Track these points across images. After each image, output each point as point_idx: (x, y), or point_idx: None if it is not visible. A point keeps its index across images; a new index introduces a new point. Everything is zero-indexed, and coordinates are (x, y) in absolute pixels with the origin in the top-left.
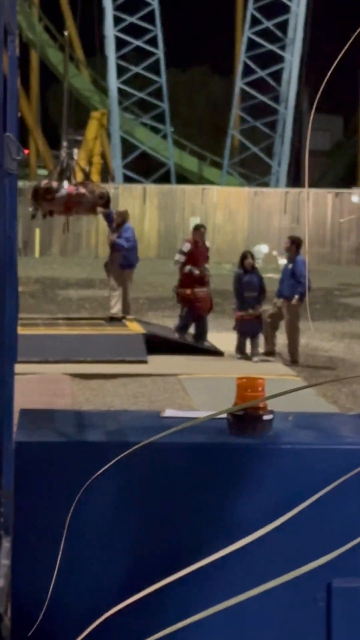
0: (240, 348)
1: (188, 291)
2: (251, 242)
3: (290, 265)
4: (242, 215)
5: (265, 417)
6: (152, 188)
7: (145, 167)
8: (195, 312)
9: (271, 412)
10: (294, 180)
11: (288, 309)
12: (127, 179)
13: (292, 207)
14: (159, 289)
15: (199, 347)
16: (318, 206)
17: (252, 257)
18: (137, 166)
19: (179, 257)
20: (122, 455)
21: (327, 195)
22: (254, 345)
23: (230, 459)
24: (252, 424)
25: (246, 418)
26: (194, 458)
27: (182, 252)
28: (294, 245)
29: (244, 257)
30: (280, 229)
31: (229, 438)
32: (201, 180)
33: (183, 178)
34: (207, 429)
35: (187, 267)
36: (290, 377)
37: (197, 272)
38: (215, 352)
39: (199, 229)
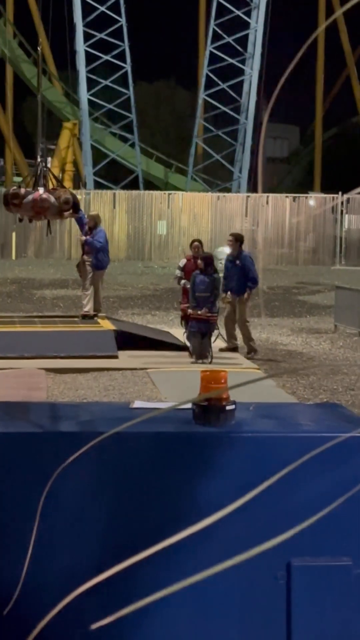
0: (194, 349)
1: (183, 305)
2: (215, 243)
3: (237, 262)
4: (206, 218)
5: (228, 407)
6: (122, 194)
7: (114, 174)
8: (188, 325)
9: (233, 402)
10: (254, 185)
11: (239, 304)
12: (98, 185)
13: (252, 211)
14: (128, 288)
15: (166, 343)
16: (277, 209)
17: (206, 258)
18: (107, 173)
19: (177, 272)
20: (91, 443)
21: (285, 200)
22: (203, 347)
23: (196, 446)
24: (216, 414)
25: (210, 408)
26: (161, 446)
27: (178, 267)
28: (237, 242)
29: (199, 257)
30: (242, 231)
31: (194, 427)
32: (167, 186)
33: (150, 184)
34: (174, 419)
35: (182, 281)
36: (252, 370)
37: (189, 286)
38: (181, 348)
39: (194, 243)
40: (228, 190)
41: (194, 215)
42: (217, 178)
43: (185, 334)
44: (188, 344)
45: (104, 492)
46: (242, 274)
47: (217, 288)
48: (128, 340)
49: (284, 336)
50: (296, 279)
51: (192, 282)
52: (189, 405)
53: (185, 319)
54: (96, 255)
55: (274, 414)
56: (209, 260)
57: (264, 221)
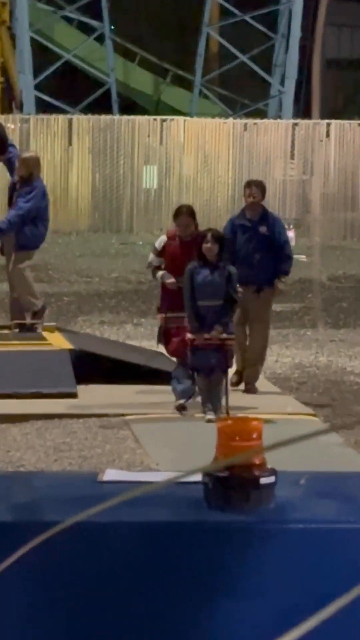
0: (203, 400)
1: (159, 316)
2: (239, 204)
3: (261, 228)
4: (224, 161)
5: (264, 481)
6: (83, 121)
7: (71, 88)
8: (168, 351)
9: (272, 472)
10: (306, 106)
11: (260, 302)
12: (43, 106)
13: (303, 149)
14: (94, 279)
15: (156, 371)
16: (344, 147)
17: (220, 237)
18: (59, 87)
19: (150, 259)
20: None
21: (358, 130)
22: (214, 395)
23: (208, 546)
24: (244, 492)
25: (233, 482)
26: (152, 544)
27: (154, 251)
28: (260, 191)
29: (203, 236)
30: (286, 184)
31: (207, 514)
32: (160, 107)
33: (131, 105)
34: (173, 500)
35: (159, 274)
36: (303, 416)
37: (170, 280)
38: None
39: (181, 214)
40: (262, 114)
41: (204, 157)
42: (243, 94)
43: (173, 373)
44: (177, 388)
45: (57, 605)
46: (267, 249)
47: (233, 289)
48: (93, 366)
49: (356, 360)
50: None
51: (187, 281)
52: (198, 478)
53: (166, 336)
54: (21, 227)
55: (339, 492)
56: (220, 240)
57: (322, 166)
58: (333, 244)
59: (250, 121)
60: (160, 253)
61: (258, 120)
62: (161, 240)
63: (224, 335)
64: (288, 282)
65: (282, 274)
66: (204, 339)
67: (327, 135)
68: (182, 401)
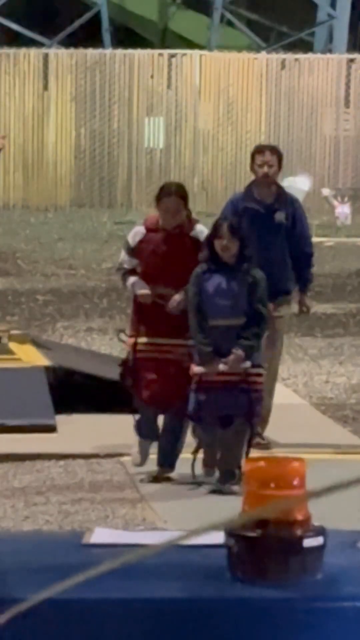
0: (207, 458)
1: (130, 340)
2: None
3: (277, 215)
4: (256, 112)
5: (309, 542)
6: (63, 56)
7: (47, 13)
8: (139, 396)
9: (320, 531)
10: None
11: (270, 320)
12: (10, 37)
13: None
14: (79, 272)
15: None
16: None
17: (236, 230)
18: (28, 11)
19: (121, 257)
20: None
21: None
22: (233, 455)
23: (232, 629)
24: (280, 557)
25: (267, 544)
26: (158, 628)
27: (126, 246)
28: (277, 158)
29: (216, 228)
30: (338, 142)
31: (230, 588)
32: (167, 38)
33: (129, 35)
34: (186, 571)
35: (130, 280)
36: (354, 455)
37: (143, 292)
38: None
39: (167, 195)
40: (306, 47)
41: (227, 105)
42: (280, 20)
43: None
44: (138, 446)
45: None
46: (283, 245)
47: (261, 302)
48: (77, 389)
49: None
50: None
51: (192, 291)
52: (219, 539)
53: (137, 371)
54: None
55: None
56: (240, 233)
57: None
58: None
59: (289, 56)
60: (134, 251)
61: (300, 55)
62: (136, 233)
63: (248, 365)
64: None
65: (305, 283)
66: (216, 373)
67: None
68: (137, 463)
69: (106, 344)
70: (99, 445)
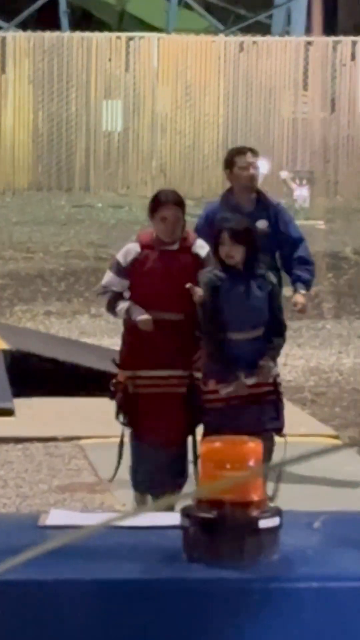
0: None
1: (121, 376)
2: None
3: (261, 222)
4: (214, 94)
5: (265, 523)
6: (20, 39)
7: None
8: (140, 434)
9: (276, 512)
10: (323, 19)
11: None
12: None
13: (319, 77)
14: (37, 255)
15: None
16: None
17: (239, 234)
18: None
19: (106, 279)
20: None
21: None
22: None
23: (189, 610)
24: (236, 539)
25: (222, 525)
26: (114, 609)
27: (115, 268)
28: (258, 158)
29: (217, 235)
30: (296, 124)
31: (186, 569)
32: (125, 21)
33: (86, 18)
34: (141, 552)
35: (121, 306)
36: (322, 438)
37: (143, 317)
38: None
39: (164, 204)
40: (264, 30)
41: (185, 88)
42: (238, 3)
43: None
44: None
45: None
46: (271, 252)
47: (279, 308)
48: (35, 372)
49: None
50: None
51: (209, 300)
52: (174, 520)
53: (131, 406)
54: None
55: None
56: (241, 237)
57: (345, 99)
58: (357, 205)
59: (247, 39)
60: (126, 272)
61: (259, 38)
62: (129, 251)
63: (277, 372)
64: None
65: (302, 284)
66: (244, 387)
67: (353, 57)
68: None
69: (64, 328)
70: (57, 428)
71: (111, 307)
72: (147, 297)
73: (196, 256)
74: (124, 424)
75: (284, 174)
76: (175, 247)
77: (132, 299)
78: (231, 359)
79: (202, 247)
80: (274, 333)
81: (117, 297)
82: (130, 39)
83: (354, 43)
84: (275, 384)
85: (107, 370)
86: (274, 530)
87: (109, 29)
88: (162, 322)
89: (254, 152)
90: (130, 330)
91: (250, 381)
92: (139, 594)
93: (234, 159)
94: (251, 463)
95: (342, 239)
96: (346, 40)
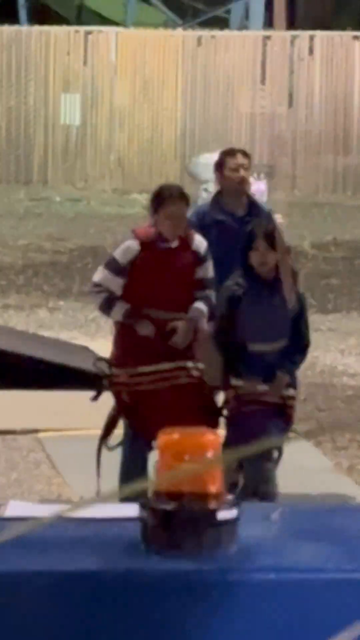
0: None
1: (122, 376)
2: (191, 146)
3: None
4: (172, 88)
5: (223, 515)
6: None
7: None
8: (142, 434)
9: (234, 504)
10: (281, 14)
11: None
12: None
13: (277, 71)
14: None
15: (79, 371)
16: (333, 67)
17: (274, 238)
18: None
19: (100, 276)
20: None
21: (352, 44)
22: (267, 481)
23: (147, 602)
24: (194, 530)
25: (181, 517)
26: (72, 601)
27: (112, 266)
28: (248, 159)
29: (249, 238)
30: (254, 119)
31: (145, 560)
32: (83, 15)
33: (44, 11)
34: (100, 543)
35: (118, 308)
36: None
37: (147, 332)
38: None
39: (170, 198)
40: (222, 24)
41: (143, 82)
42: None
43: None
44: None
45: None
46: None
47: (306, 324)
48: None
49: (351, 356)
50: None
51: (224, 310)
52: (133, 511)
53: (131, 404)
54: None
55: (322, 530)
56: (276, 243)
57: (303, 94)
58: (319, 199)
59: (206, 33)
60: (123, 270)
61: (217, 32)
62: (128, 250)
63: (291, 393)
64: None
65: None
66: (254, 388)
67: (311, 52)
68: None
69: (23, 321)
70: (15, 421)
71: (105, 308)
72: (146, 296)
73: (196, 253)
74: (124, 418)
75: None
76: (175, 244)
77: (128, 298)
78: (248, 371)
79: (201, 244)
80: (295, 347)
81: (111, 296)
82: (89, 33)
83: (312, 37)
84: (285, 399)
85: (66, 363)
86: (232, 522)
87: (68, 23)
88: (161, 321)
89: (245, 154)
90: (125, 330)
91: (262, 388)
92: (97, 585)
93: (224, 160)
94: (209, 454)
95: (300, 233)
96: (304, 35)
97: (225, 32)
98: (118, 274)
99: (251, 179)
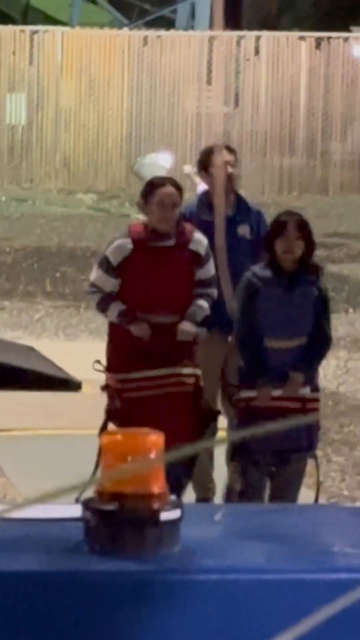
0: (243, 489)
1: (113, 381)
2: (137, 146)
3: (243, 228)
4: (118, 88)
5: (166, 516)
6: None
7: None
8: None
9: (177, 504)
10: (227, 13)
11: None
12: None
13: (223, 71)
14: None
15: (20, 370)
16: (279, 67)
17: (305, 228)
18: None
19: (94, 276)
20: None
21: (297, 44)
22: (284, 492)
23: (89, 602)
24: (137, 531)
25: (123, 517)
26: (13, 602)
27: (104, 266)
28: (236, 157)
29: (279, 225)
30: (200, 118)
31: (87, 561)
32: (29, 14)
33: None
34: (42, 544)
35: (113, 309)
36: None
37: (139, 326)
38: (64, 383)
39: (159, 185)
40: (168, 24)
41: (89, 82)
42: None
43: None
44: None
45: None
46: (249, 265)
47: (328, 320)
48: None
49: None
50: (324, 227)
51: (243, 302)
52: (75, 512)
53: (121, 410)
54: None
55: (266, 531)
56: (308, 231)
57: (249, 94)
58: (265, 199)
59: (152, 33)
60: (115, 271)
61: (163, 33)
62: (120, 248)
63: (307, 391)
64: None
65: None
66: (270, 398)
67: (257, 52)
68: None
69: None
70: None
71: (101, 308)
72: (140, 298)
73: (194, 253)
74: (114, 422)
75: (187, 168)
76: (172, 242)
77: (123, 299)
78: (266, 368)
79: (200, 243)
80: (315, 345)
81: (107, 296)
82: (34, 32)
83: (258, 38)
84: (305, 402)
85: (9, 362)
86: (174, 523)
87: (14, 22)
88: (156, 325)
89: (231, 150)
90: (119, 332)
91: (276, 392)
92: (39, 586)
93: (209, 157)
94: (152, 455)
95: None
96: (250, 35)
97: (172, 32)
98: (110, 274)
99: (197, 179)
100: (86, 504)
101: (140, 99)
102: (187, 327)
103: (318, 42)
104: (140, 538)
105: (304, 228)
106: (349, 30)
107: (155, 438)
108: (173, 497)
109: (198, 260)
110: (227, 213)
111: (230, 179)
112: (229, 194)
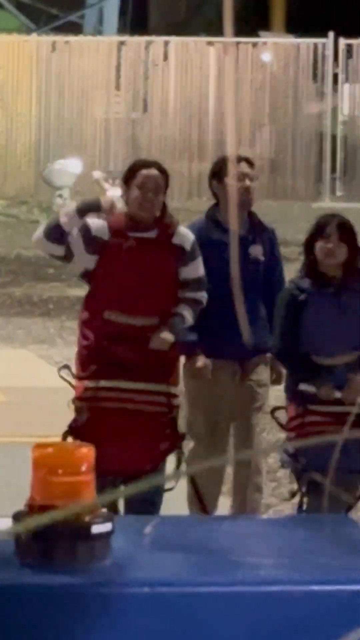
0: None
1: (80, 383)
2: (46, 153)
3: (256, 248)
4: (26, 94)
5: (97, 529)
6: None
7: None
8: (100, 462)
9: (108, 517)
10: (135, 18)
11: (245, 391)
12: None
13: (131, 77)
14: None
15: None
16: (188, 72)
17: (349, 231)
18: None
19: (65, 212)
20: None
21: (206, 49)
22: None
23: (21, 616)
24: (68, 544)
25: (54, 531)
26: None
27: (83, 230)
28: (253, 169)
29: (320, 226)
30: (109, 124)
31: (18, 574)
32: None
33: None
34: None
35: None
36: None
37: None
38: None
39: (143, 166)
40: (76, 29)
41: None
42: (49, 2)
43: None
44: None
45: None
46: (260, 288)
47: None
48: None
49: None
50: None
51: (285, 317)
52: (6, 525)
53: (91, 424)
54: None
55: (198, 544)
56: (350, 237)
57: (158, 99)
58: (174, 204)
59: (60, 39)
60: (92, 244)
61: (71, 38)
62: (99, 227)
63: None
64: None
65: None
66: (331, 393)
67: (165, 57)
68: None
69: None
70: None
71: (51, 231)
72: (115, 295)
73: (179, 249)
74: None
75: (96, 174)
76: (153, 234)
77: (96, 295)
78: (318, 371)
79: (185, 237)
80: None
81: (90, 303)
82: None
83: (166, 43)
84: None
85: None
86: (106, 536)
87: None
88: (131, 328)
89: (250, 162)
90: (87, 329)
91: (336, 395)
92: None
93: (225, 167)
94: (83, 468)
95: None
96: (159, 40)
97: (80, 38)
98: (87, 242)
99: (106, 185)
100: (16, 517)
101: (49, 105)
102: (162, 335)
103: (236, 45)
104: (71, 551)
105: (349, 231)
106: (257, 36)
107: (85, 451)
108: (104, 510)
109: (182, 256)
110: (239, 232)
111: (248, 192)
112: (242, 211)
